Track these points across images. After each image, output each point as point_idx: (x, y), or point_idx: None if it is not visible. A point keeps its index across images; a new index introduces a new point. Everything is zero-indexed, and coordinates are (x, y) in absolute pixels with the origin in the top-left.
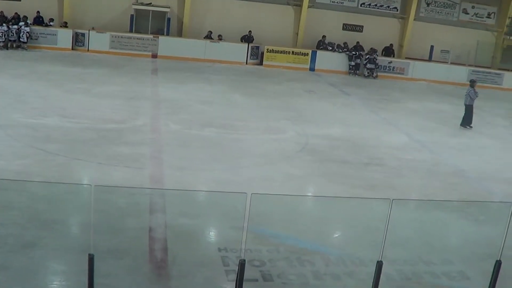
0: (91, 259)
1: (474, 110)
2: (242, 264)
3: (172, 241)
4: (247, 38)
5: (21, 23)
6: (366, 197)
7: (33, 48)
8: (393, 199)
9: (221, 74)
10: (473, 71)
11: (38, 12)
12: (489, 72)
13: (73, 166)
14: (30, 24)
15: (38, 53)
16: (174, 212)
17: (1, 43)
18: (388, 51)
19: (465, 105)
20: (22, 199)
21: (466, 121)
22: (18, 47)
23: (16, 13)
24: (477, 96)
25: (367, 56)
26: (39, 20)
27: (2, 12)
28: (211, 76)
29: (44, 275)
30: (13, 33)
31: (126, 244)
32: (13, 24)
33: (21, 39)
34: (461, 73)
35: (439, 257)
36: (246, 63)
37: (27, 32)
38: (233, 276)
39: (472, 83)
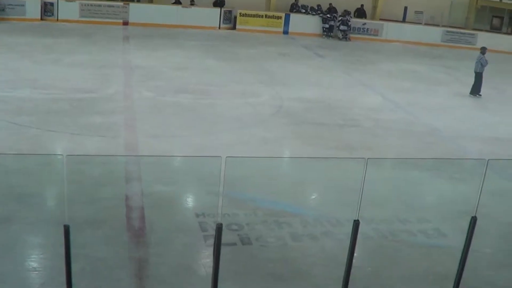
0: (66, 230)
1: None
2: (219, 228)
3: (149, 209)
4: (219, 3)
5: None
6: (341, 157)
7: (1, 20)
8: (368, 159)
9: (194, 40)
10: (447, 31)
11: None
12: (463, 33)
13: (46, 137)
14: None
15: (6, 25)
16: (150, 180)
17: None
18: (360, 12)
19: (475, 72)
20: None
21: (476, 89)
22: None
23: None
24: (487, 64)
25: (340, 18)
26: None
27: None
28: (184, 42)
29: (21, 249)
30: None
31: (102, 213)
32: None
33: None
34: (435, 34)
35: (415, 215)
36: (219, 27)
37: None
38: (211, 241)
39: (483, 49)
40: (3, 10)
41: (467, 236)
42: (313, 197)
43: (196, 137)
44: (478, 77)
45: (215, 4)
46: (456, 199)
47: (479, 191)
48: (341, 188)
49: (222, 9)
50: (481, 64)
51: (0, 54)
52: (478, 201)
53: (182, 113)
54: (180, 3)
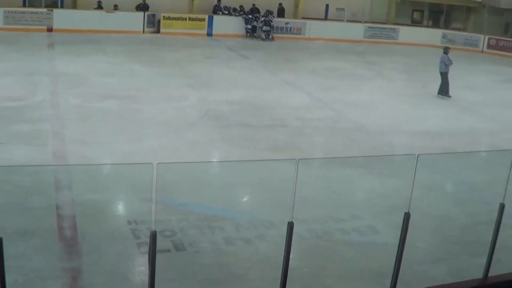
0: None
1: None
2: (153, 236)
3: (80, 217)
4: (142, 7)
5: None
6: (271, 159)
7: None
8: (299, 159)
9: (119, 45)
10: (369, 27)
11: None
12: (385, 28)
13: None
14: None
15: None
16: (81, 188)
17: None
18: (279, 11)
19: (440, 73)
20: None
21: (443, 90)
22: None
23: None
24: (451, 63)
25: (263, 19)
26: None
27: None
28: (109, 47)
29: None
30: None
31: (34, 224)
32: None
33: None
34: (357, 30)
35: (348, 213)
36: (143, 32)
37: None
38: (145, 249)
39: (446, 49)
40: None
41: (401, 232)
42: (245, 199)
43: (124, 143)
44: (444, 77)
45: (138, 8)
46: (387, 195)
47: (411, 186)
48: (272, 189)
49: (146, 13)
50: (445, 64)
51: None
52: (411, 197)
53: (110, 119)
54: (101, 8)
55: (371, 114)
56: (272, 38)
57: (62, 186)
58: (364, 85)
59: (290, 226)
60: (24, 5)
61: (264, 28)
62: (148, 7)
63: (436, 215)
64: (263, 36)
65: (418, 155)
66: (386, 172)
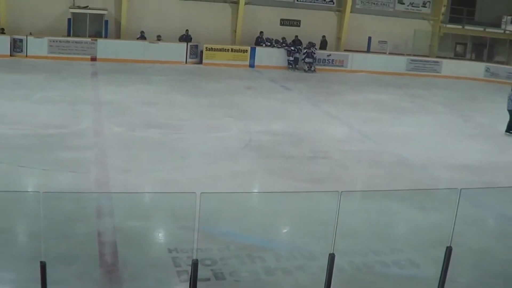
0: (43, 266)
1: None
2: (195, 264)
3: (122, 244)
4: (185, 38)
5: None
6: (312, 190)
7: None
8: (341, 191)
9: (162, 75)
10: (411, 60)
11: None
12: (427, 61)
13: (17, 173)
14: None
15: None
16: (122, 215)
17: None
18: (322, 44)
19: (508, 110)
20: None
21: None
22: None
23: None
24: None
25: (305, 51)
26: None
27: None
28: (152, 76)
29: None
30: None
31: (75, 249)
32: None
33: None
34: (400, 63)
35: (388, 246)
36: (186, 62)
37: None
38: (185, 277)
39: None
40: None
41: (443, 266)
42: (286, 230)
43: (165, 172)
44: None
45: (181, 39)
46: (428, 229)
47: (453, 220)
48: (313, 221)
49: (189, 44)
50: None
51: None
52: (453, 231)
53: (152, 148)
54: (144, 38)
55: (413, 147)
56: (314, 70)
57: (104, 213)
58: (406, 118)
59: (331, 257)
60: (68, 35)
61: (307, 60)
62: (191, 38)
63: (477, 249)
64: (306, 67)
65: (461, 190)
66: (428, 205)
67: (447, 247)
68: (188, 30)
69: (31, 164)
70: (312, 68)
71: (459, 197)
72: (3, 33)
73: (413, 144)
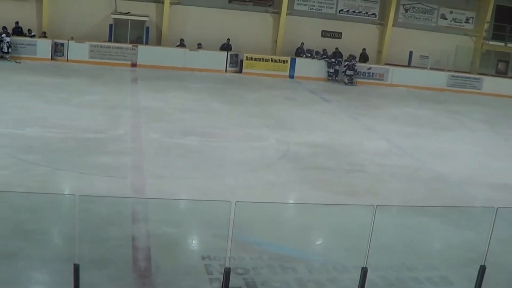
0: (76, 269)
1: None
2: (227, 273)
3: (155, 250)
4: (226, 46)
5: (3, 34)
6: (348, 203)
7: (13, 59)
8: (377, 206)
9: (201, 82)
10: (452, 76)
11: (16, 22)
12: (469, 77)
13: (55, 176)
14: (10, 34)
15: (17, 64)
16: (157, 221)
17: None
18: (362, 56)
19: None
20: (4, 210)
21: None
22: (0, 57)
23: None
24: None
25: (346, 63)
26: (17, 31)
27: None
28: (191, 84)
29: (26, 285)
30: None
31: (109, 253)
32: None
33: (3, 50)
34: (441, 79)
35: (422, 262)
36: (226, 71)
37: (7, 42)
38: (217, 284)
39: None
40: (15, 49)
41: (476, 285)
42: (319, 242)
43: (202, 180)
44: None
45: (222, 48)
46: (463, 246)
47: (488, 239)
48: (347, 234)
49: (229, 53)
50: None
51: (11, 92)
52: (487, 250)
53: (189, 155)
54: (184, 46)
55: (450, 163)
56: (355, 83)
57: (138, 218)
58: (445, 134)
59: (364, 271)
60: (109, 40)
61: (348, 72)
62: (231, 47)
63: (511, 268)
64: (346, 80)
65: (497, 209)
66: (464, 223)
67: (480, 266)
68: (229, 39)
69: (69, 167)
70: (353, 81)
71: (495, 215)
72: (45, 36)
73: (451, 160)
